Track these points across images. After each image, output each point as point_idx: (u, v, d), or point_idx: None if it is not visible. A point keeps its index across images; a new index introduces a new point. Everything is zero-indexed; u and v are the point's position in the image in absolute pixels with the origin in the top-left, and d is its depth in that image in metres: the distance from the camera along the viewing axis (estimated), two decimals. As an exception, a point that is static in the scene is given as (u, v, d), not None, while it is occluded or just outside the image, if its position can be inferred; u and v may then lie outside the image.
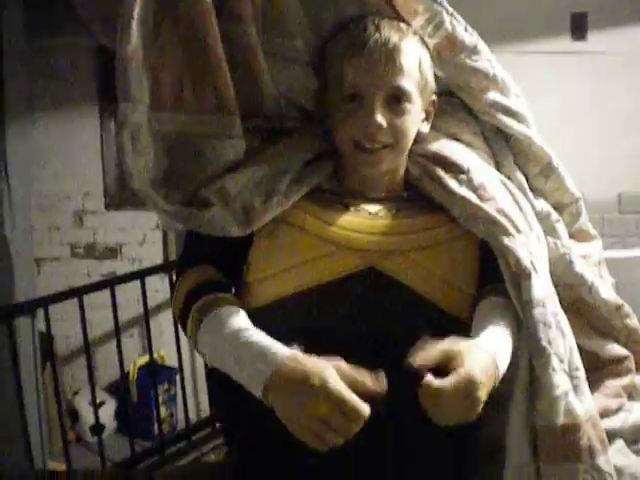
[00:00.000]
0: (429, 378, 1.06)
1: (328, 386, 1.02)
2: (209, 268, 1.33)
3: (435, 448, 1.23)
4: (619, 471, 1.29)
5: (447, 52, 1.35)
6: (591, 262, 1.48)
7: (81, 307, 3.27)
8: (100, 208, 4.31)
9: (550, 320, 1.25)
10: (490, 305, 1.28)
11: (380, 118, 1.23)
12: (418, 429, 1.19)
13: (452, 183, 1.32)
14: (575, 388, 1.25)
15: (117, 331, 3.47)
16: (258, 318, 1.20)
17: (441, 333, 1.19)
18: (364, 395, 1.04)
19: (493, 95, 1.40)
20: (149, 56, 1.22)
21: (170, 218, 1.31)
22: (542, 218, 1.41)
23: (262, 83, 1.32)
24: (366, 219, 1.29)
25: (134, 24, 1.19)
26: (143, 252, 4.34)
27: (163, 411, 3.98)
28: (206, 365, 3.67)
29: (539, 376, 1.24)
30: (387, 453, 1.20)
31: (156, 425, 3.82)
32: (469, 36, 1.36)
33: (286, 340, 1.15)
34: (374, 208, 1.31)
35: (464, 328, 1.22)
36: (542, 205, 1.43)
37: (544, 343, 1.24)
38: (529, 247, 1.28)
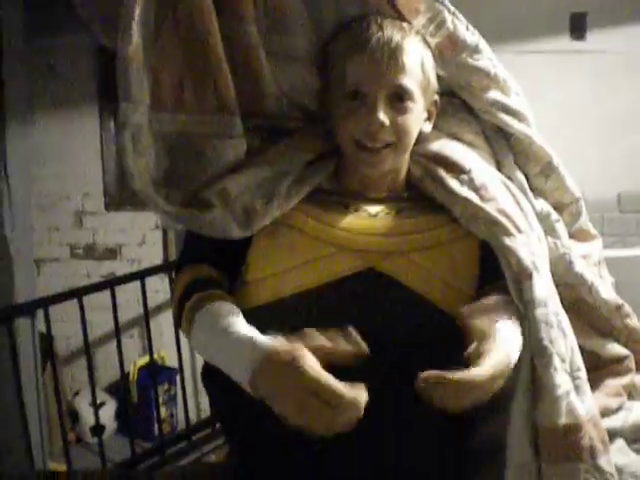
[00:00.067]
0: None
1: (306, 378, 1.01)
2: (204, 267, 1.34)
3: (435, 444, 1.23)
4: (619, 470, 1.29)
5: (449, 51, 1.35)
6: (591, 262, 1.48)
7: (81, 308, 3.27)
8: (100, 209, 4.31)
9: (552, 320, 1.25)
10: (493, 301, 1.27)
11: (383, 116, 1.23)
12: (418, 426, 1.19)
13: (453, 183, 1.32)
14: (576, 388, 1.25)
15: (117, 332, 3.47)
16: (256, 318, 1.20)
17: (441, 334, 1.19)
18: (349, 359, 1.03)
19: (494, 94, 1.40)
20: (150, 56, 1.22)
21: (171, 219, 1.31)
22: (542, 218, 1.41)
23: (263, 83, 1.32)
24: (366, 220, 1.29)
25: (135, 25, 1.19)
26: (143, 253, 4.34)
27: (163, 411, 3.99)
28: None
29: (541, 376, 1.24)
30: (386, 450, 1.20)
31: (156, 426, 3.82)
32: (470, 35, 1.36)
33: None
34: (374, 209, 1.31)
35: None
36: (542, 205, 1.43)
37: (546, 343, 1.24)
38: (530, 247, 1.28)
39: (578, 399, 1.24)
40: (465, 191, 1.31)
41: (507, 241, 1.26)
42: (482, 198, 1.30)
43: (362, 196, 1.33)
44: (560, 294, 1.32)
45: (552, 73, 3.79)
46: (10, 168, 3.30)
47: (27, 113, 3.71)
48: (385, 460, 1.20)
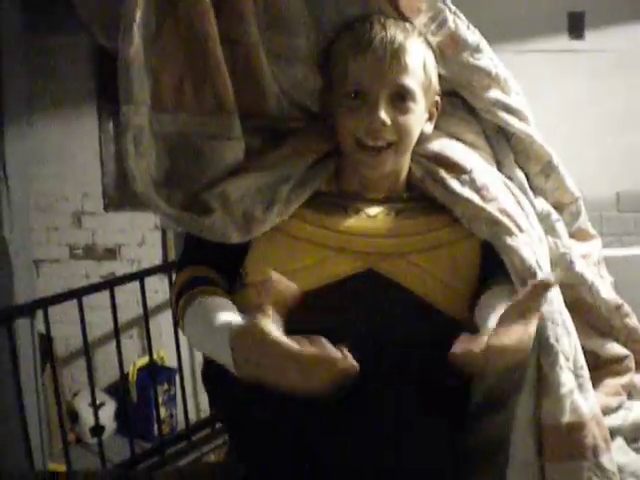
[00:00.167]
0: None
1: (276, 348, 1.01)
2: (204, 268, 1.34)
3: (434, 445, 1.24)
4: (620, 469, 1.30)
5: (450, 50, 1.35)
6: (591, 261, 1.48)
7: (80, 308, 3.27)
8: (99, 209, 4.31)
9: (557, 318, 1.26)
10: (497, 292, 1.27)
11: (384, 115, 1.23)
12: (418, 427, 1.19)
13: (454, 184, 1.32)
14: (580, 386, 1.26)
15: (116, 332, 3.47)
16: None
17: (440, 335, 1.19)
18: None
19: (495, 93, 1.40)
20: (150, 57, 1.22)
21: (172, 221, 1.31)
22: (542, 218, 1.41)
23: (264, 82, 1.32)
24: (365, 221, 1.29)
25: (135, 26, 1.19)
26: (142, 253, 4.34)
27: (163, 412, 3.98)
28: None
29: (546, 374, 1.24)
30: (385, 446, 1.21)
31: (156, 426, 3.81)
32: (472, 34, 1.36)
33: None
34: (373, 210, 1.31)
35: (462, 329, 1.22)
36: (542, 205, 1.43)
37: (552, 341, 1.24)
38: (532, 246, 1.28)
39: (582, 397, 1.24)
40: (466, 191, 1.31)
41: (509, 241, 1.27)
42: (483, 198, 1.30)
43: (361, 197, 1.33)
44: (560, 294, 1.32)
45: (550, 72, 3.80)
46: (9, 169, 3.30)
47: (26, 114, 3.71)
48: (385, 461, 1.20)
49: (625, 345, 1.46)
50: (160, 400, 3.89)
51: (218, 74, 1.27)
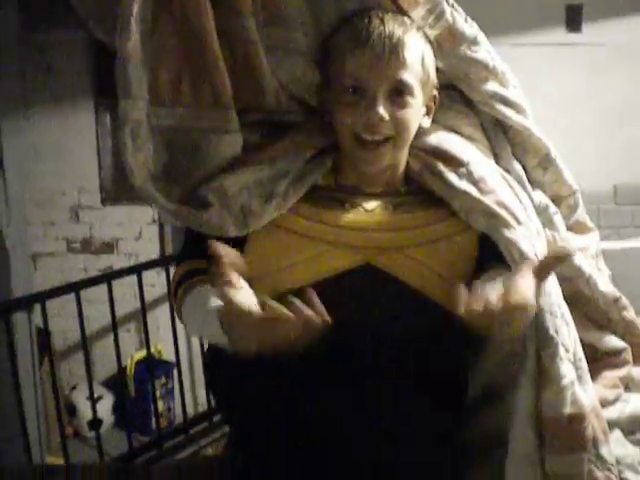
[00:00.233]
0: None
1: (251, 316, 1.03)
2: (202, 261, 1.34)
3: (432, 439, 1.24)
4: (617, 461, 1.30)
5: (448, 44, 1.34)
6: (589, 254, 1.49)
7: (78, 302, 3.27)
8: (96, 203, 4.31)
9: (556, 310, 1.26)
10: (495, 272, 1.28)
11: (382, 110, 1.22)
12: (416, 421, 1.20)
13: (452, 177, 1.31)
14: (579, 378, 1.26)
15: (114, 326, 3.47)
16: None
17: (438, 328, 1.20)
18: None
19: (492, 86, 1.40)
20: (148, 51, 1.22)
21: (170, 216, 1.31)
22: (540, 211, 1.41)
23: (262, 77, 1.31)
24: (362, 216, 1.29)
25: (133, 21, 1.19)
26: (139, 247, 4.34)
27: (160, 405, 3.99)
28: (204, 357, 3.68)
29: (546, 366, 1.24)
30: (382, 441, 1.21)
31: (154, 419, 3.82)
32: (469, 27, 1.36)
33: None
34: (371, 204, 1.31)
35: (460, 324, 1.22)
36: (540, 198, 1.43)
37: (552, 332, 1.24)
38: (530, 239, 1.28)
39: (581, 389, 1.25)
40: (464, 184, 1.30)
41: (507, 233, 1.27)
42: (481, 191, 1.30)
43: (359, 191, 1.33)
44: (559, 286, 1.32)
45: (548, 66, 3.80)
46: (6, 163, 3.30)
47: (23, 108, 3.71)
48: (383, 455, 1.21)
49: (623, 338, 1.47)
50: (158, 394, 3.90)
51: (215, 68, 1.27)
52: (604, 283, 1.45)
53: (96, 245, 4.37)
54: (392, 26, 1.24)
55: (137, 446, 3.68)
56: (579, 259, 1.42)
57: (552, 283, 1.28)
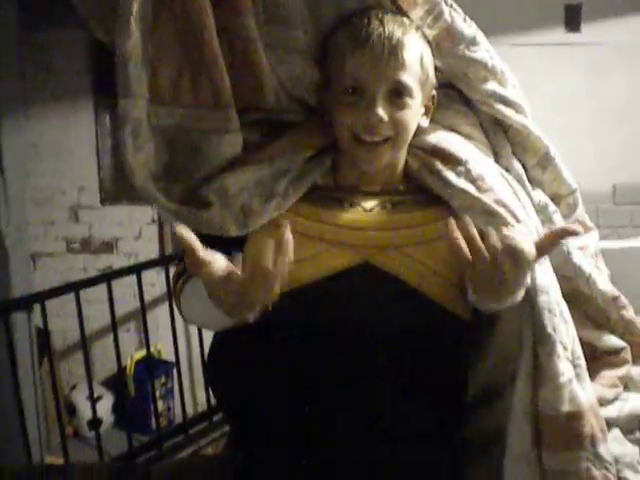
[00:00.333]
0: None
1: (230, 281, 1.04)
2: None
3: (430, 437, 1.24)
4: (616, 460, 1.31)
5: (446, 44, 1.34)
6: (588, 253, 1.49)
7: (78, 302, 3.27)
8: (95, 203, 4.31)
9: (554, 308, 1.26)
10: None
11: (381, 112, 1.23)
12: (414, 420, 1.20)
13: (450, 175, 1.31)
14: (577, 376, 1.27)
15: (114, 326, 3.47)
16: None
17: (436, 327, 1.20)
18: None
19: (491, 86, 1.40)
20: (148, 50, 1.22)
21: (170, 215, 1.31)
22: (540, 209, 1.41)
23: (262, 75, 1.31)
24: (361, 215, 1.29)
25: (133, 20, 1.19)
26: (139, 246, 4.34)
27: (160, 405, 3.99)
28: (203, 357, 3.68)
29: (544, 363, 1.25)
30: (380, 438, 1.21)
31: (153, 419, 3.82)
32: (468, 27, 1.36)
33: (280, 335, 1.17)
34: (369, 204, 1.31)
35: (459, 322, 1.22)
36: (539, 196, 1.43)
37: (549, 330, 1.25)
38: (529, 237, 1.28)
39: (579, 387, 1.25)
40: (462, 182, 1.30)
41: (506, 231, 1.27)
42: (479, 189, 1.30)
43: (358, 190, 1.33)
44: (558, 285, 1.33)
45: (547, 65, 3.81)
46: (5, 162, 3.30)
47: (22, 108, 3.71)
48: (382, 454, 1.21)
49: (622, 337, 1.47)
50: (157, 393, 3.90)
51: (215, 67, 1.27)
52: (603, 282, 1.45)
53: (96, 245, 4.36)
54: (391, 27, 1.24)
55: (137, 446, 3.68)
56: (579, 258, 1.42)
57: (551, 281, 1.29)
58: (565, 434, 1.24)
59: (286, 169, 1.30)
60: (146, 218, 4.30)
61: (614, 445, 1.33)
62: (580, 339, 1.33)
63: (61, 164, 4.23)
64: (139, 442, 3.76)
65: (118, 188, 4.21)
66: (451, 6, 1.34)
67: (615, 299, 1.46)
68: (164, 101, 1.26)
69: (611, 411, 1.38)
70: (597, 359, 1.43)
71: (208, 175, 1.29)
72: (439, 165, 1.33)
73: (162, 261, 4.01)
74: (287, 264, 1.03)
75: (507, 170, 1.40)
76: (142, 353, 3.97)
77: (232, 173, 1.28)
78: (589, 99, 3.85)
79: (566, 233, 1.08)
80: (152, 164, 1.26)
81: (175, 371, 3.89)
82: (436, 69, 1.34)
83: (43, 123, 4.16)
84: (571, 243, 1.43)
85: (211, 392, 1.43)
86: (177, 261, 1.44)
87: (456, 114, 1.43)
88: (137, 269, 3.63)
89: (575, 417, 1.24)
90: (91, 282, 3.52)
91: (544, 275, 1.27)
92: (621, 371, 1.44)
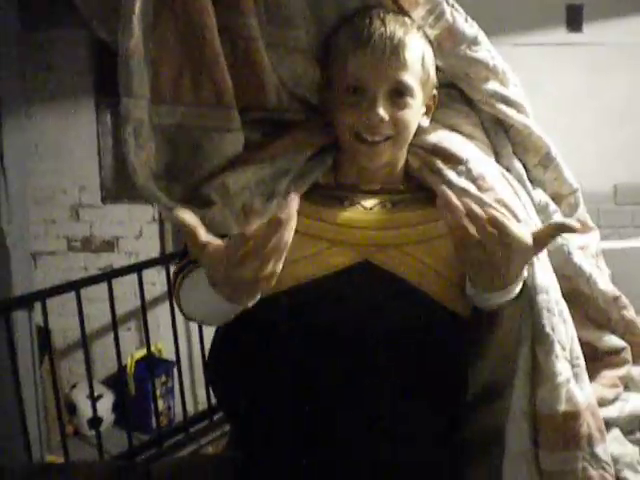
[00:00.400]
0: None
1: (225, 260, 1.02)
2: None
3: (430, 437, 1.24)
4: (615, 460, 1.31)
5: (448, 43, 1.34)
6: (589, 253, 1.48)
7: (78, 300, 3.28)
8: (96, 202, 4.31)
9: (553, 307, 1.26)
10: None
11: (382, 111, 1.23)
12: (414, 420, 1.20)
13: (451, 174, 1.31)
14: (576, 376, 1.26)
15: (114, 324, 3.48)
16: (251, 311, 1.20)
17: (436, 326, 1.20)
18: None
19: (493, 85, 1.40)
20: (149, 49, 1.22)
21: (171, 215, 1.31)
22: (540, 209, 1.41)
23: (264, 75, 1.31)
24: (361, 214, 1.29)
25: (135, 18, 1.18)
26: (140, 245, 4.35)
27: (161, 404, 4.00)
28: (203, 357, 3.68)
29: (541, 363, 1.25)
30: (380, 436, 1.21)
31: (154, 418, 3.83)
32: (469, 27, 1.36)
33: (280, 334, 1.17)
34: (369, 202, 1.31)
35: (459, 321, 1.22)
36: (540, 196, 1.43)
37: (548, 330, 1.25)
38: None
39: (577, 387, 1.25)
40: (463, 182, 1.30)
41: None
42: (480, 188, 1.30)
43: (358, 189, 1.33)
44: (558, 284, 1.32)
45: (549, 65, 3.80)
46: (7, 161, 3.31)
47: (23, 107, 3.72)
48: (382, 454, 1.21)
49: (622, 337, 1.46)
50: (158, 392, 3.91)
51: (216, 66, 1.27)
52: (604, 282, 1.45)
53: (96, 243, 4.37)
54: (393, 27, 1.24)
55: (137, 445, 3.68)
56: (579, 258, 1.42)
57: (551, 281, 1.29)
58: (562, 434, 1.24)
59: (287, 168, 1.30)
60: (147, 217, 4.30)
61: (614, 445, 1.33)
62: (580, 339, 1.33)
63: (62, 163, 4.23)
64: (139, 441, 3.77)
65: (119, 187, 4.22)
66: (452, 6, 1.34)
67: (616, 299, 1.46)
68: (165, 100, 1.25)
69: (611, 411, 1.38)
70: (597, 359, 1.43)
71: (209, 174, 1.29)
72: (440, 164, 1.33)
73: (163, 260, 4.01)
74: (289, 240, 1.02)
75: (508, 170, 1.40)
76: (142, 352, 3.97)
77: (233, 172, 1.28)
78: (591, 99, 3.85)
79: (564, 228, 1.08)
80: (153, 163, 1.26)
81: (175, 370, 3.90)
82: (437, 69, 1.34)
83: (44, 122, 4.17)
84: (572, 243, 1.43)
85: (212, 391, 1.42)
86: (177, 259, 1.44)
87: (457, 114, 1.43)
88: (138, 268, 3.63)
89: (572, 417, 1.24)
90: (92, 281, 3.52)
91: (544, 274, 1.27)
92: (621, 371, 1.44)
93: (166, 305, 3.91)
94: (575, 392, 1.24)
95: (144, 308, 3.62)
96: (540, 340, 1.25)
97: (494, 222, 1.03)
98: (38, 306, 3.29)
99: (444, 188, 1.06)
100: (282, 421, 1.23)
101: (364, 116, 1.23)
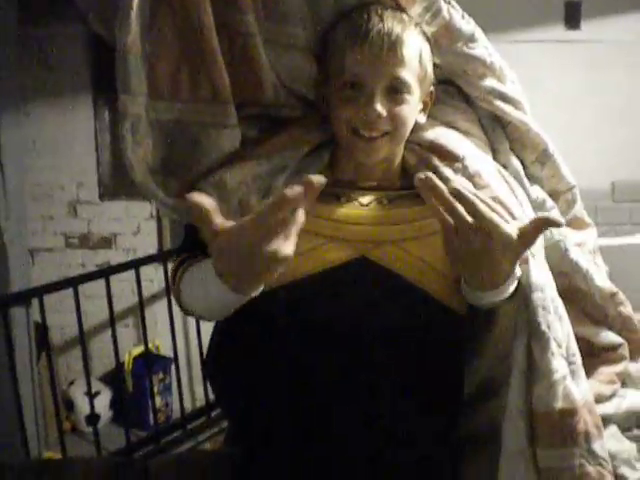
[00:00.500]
0: None
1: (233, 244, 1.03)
2: (198, 252, 1.34)
3: (430, 435, 1.24)
4: (612, 456, 1.31)
5: (444, 40, 1.34)
6: (586, 250, 1.49)
7: (76, 297, 3.28)
8: (94, 198, 4.31)
9: (549, 305, 1.26)
10: None
11: (380, 107, 1.23)
12: (414, 418, 1.20)
13: (447, 172, 1.32)
14: (572, 373, 1.27)
15: (112, 321, 3.48)
16: (249, 306, 1.21)
17: (433, 322, 1.20)
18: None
19: (490, 82, 1.40)
20: (146, 44, 1.22)
21: (169, 210, 1.31)
22: (537, 205, 1.41)
23: (261, 71, 1.31)
24: (357, 210, 1.29)
25: (133, 14, 1.18)
26: (137, 242, 4.35)
27: (158, 401, 4.00)
28: (201, 354, 3.69)
29: (537, 360, 1.25)
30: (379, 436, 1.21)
31: (151, 415, 3.83)
32: (466, 24, 1.36)
33: (277, 329, 1.18)
34: (366, 199, 1.31)
35: (456, 317, 1.22)
36: (537, 193, 1.43)
37: (543, 327, 1.25)
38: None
39: (574, 384, 1.25)
40: (459, 179, 1.31)
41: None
42: (476, 185, 1.30)
43: (354, 185, 1.33)
44: (554, 282, 1.33)
45: (547, 63, 3.80)
46: (4, 157, 3.30)
47: (21, 103, 3.71)
48: (380, 453, 1.21)
49: (619, 333, 1.47)
50: (155, 389, 3.91)
51: (214, 62, 1.27)
52: (601, 278, 1.45)
53: (94, 240, 4.37)
54: (391, 23, 1.24)
55: (135, 441, 3.69)
56: (576, 254, 1.42)
57: (546, 278, 1.29)
58: (559, 431, 1.24)
59: (284, 165, 1.30)
60: (145, 213, 4.30)
61: (611, 442, 1.33)
62: (577, 335, 1.33)
63: (60, 159, 4.23)
64: (137, 437, 3.78)
65: (117, 183, 4.22)
66: (449, 3, 1.34)
67: (613, 295, 1.46)
68: (162, 96, 1.25)
69: (608, 408, 1.38)
70: (594, 355, 1.43)
71: (207, 169, 1.29)
72: (436, 161, 1.33)
73: (160, 257, 4.01)
74: (300, 222, 1.02)
75: (505, 166, 1.40)
76: (140, 349, 3.98)
77: (230, 168, 1.29)
78: (589, 96, 3.85)
79: (550, 222, 1.07)
80: (150, 159, 1.26)
81: (173, 367, 3.90)
82: (435, 65, 1.34)
83: (42, 119, 4.17)
84: (569, 240, 1.43)
85: (210, 387, 1.42)
86: (175, 256, 1.44)
87: (455, 110, 1.43)
88: (135, 264, 3.63)
89: (568, 414, 1.24)
90: (89, 277, 3.52)
91: (539, 272, 1.27)
92: (619, 367, 1.44)
93: (164, 302, 3.91)
94: (572, 389, 1.24)
95: (142, 305, 3.62)
96: (536, 338, 1.25)
97: (472, 211, 1.03)
98: (35, 302, 3.29)
99: (425, 172, 1.05)
100: (280, 416, 1.23)
101: (361, 112, 1.23)
